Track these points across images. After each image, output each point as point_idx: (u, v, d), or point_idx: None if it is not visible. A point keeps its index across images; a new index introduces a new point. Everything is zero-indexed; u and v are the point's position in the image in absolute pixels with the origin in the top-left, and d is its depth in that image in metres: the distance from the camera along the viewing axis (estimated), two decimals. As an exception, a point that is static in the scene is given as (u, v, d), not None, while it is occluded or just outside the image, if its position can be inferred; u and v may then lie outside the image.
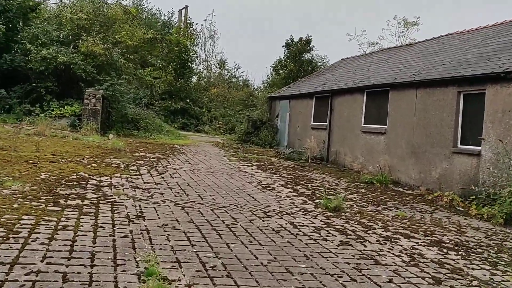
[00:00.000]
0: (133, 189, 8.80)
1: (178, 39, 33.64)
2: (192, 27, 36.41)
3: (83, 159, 12.16)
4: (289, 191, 10.81)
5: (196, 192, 9.37)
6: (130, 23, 23.04)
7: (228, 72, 46.14)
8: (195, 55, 37.15)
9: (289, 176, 13.67)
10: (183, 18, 39.45)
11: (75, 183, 8.72)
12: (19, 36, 21.65)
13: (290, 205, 9.10)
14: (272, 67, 40.18)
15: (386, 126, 15.62)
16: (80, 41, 21.42)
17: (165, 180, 10.30)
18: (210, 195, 9.21)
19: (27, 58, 20.77)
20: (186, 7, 40.27)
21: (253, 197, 9.50)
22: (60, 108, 20.42)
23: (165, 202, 8.02)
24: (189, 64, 36.29)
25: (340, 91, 18.97)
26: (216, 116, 34.61)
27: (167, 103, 34.15)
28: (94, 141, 16.96)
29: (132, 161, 12.96)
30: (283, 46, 38.83)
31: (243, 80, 47.02)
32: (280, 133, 25.42)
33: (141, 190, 8.85)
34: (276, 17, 73.68)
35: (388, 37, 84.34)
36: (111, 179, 9.64)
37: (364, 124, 17.09)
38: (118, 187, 8.83)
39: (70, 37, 21.84)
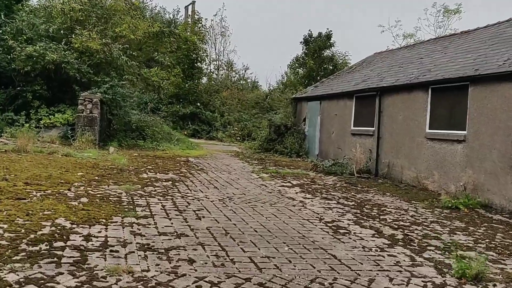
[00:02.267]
0: (142, 255, 5.23)
1: (186, 36, 30.11)
2: (200, 23, 32.86)
3: (69, 189, 8.60)
4: (372, 235, 7.25)
5: (243, 250, 5.79)
6: (133, 14, 19.51)
7: (236, 73, 42.66)
8: (204, 54, 33.60)
9: (350, 203, 10.09)
10: (190, 14, 35.95)
11: (43, 246, 5.15)
12: (0, 31, 18.17)
13: (398, 271, 5.52)
14: (289, 65, 36.69)
15: (465, 132, 12.02)
16: (73, 36, 17.92)
17: (190, 226, 6.72)
18: (266, 256, 5.63)
19: (9, 57, 17.30)
20: (193, 2, 36.79)
21: (332, 255, 5.93)
22: (50, 116, 16.93)
23: None
24: (199, 63, 32.76)
25: (392, 88, 15.37)
26: (230, 121, 31.04)
27: (175, 108, 30.64)
28: (89, 158, 13.44)
29: (139, 189, 9.39)
30: (301, 42, 35.49)
31: (252, 81, 43.50)
32: (308, 140, 21.84)
33: (157, 254, 5.27)
34: (290, 12, 69.68)
35: (425, 28, 77.96)
36: (106, 230, 6.06)
37: (429, 129, 13.50)
38: (118, 251, 5.25)
39: (62, 31, 18.34)
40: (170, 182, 10.67)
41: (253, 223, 7.32)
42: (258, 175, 13.90)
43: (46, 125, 16.76)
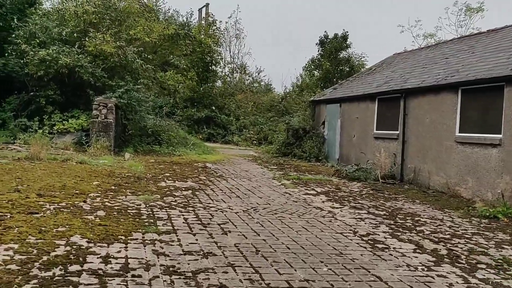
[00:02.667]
0: (168, 280, 4.65)
1: (200, 39, 29.65)
2: (215, 26, 32.38)
3: (85, 200, 8.09)
4: (413, 250, 6.64)
5: (278, 271, 5.21)
6: (147, 16, 19.04)
7: (249, 76, 42.09)
8: (219, 57, 33.11)
9: (382, 213, 9.47)
10: (203, 16, 35.49)
11: (57, 271, 4.60)
12: (13, 36, 17.80)
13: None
14: (304, 67, 36.07)
15: (500, 136, 11.33)
16: (87, 39, 17.50)
17: (216, 243, 6.16)
18: (305, 279, 5.04)
19: (22, 61, 16.91)
20: (206, 5, 36.35)
21: (377, 276, 5.33)
22: (64, 122, 16.50)
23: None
24: (213, 66, 32.27)
25: (417, 90, 14.70)
26: (246, 124, 30.48)
27: (190, 112, 30.15)
28: (105, 165, 12.95)
29: (158, 199, 8.85)
30: (316, 44, 34.92)
31: (265, 84, 42.85)
32: (328, 144, 21.20)
33: (184, 279, 4.70)
34: (304, 13, 68.88)
35: (446, 27, 75.38)
36: (126, 249, 5.52)
37: (459, 132, 12.82)
38: (140, 275, 4.68)
39: (75, 34, 17.92)
40: (190, 191, 10.11)
41: (284, 238, 6.74)
42: (279, 181, 13.32)
43: (59, 131, 16.34)
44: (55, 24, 18.29)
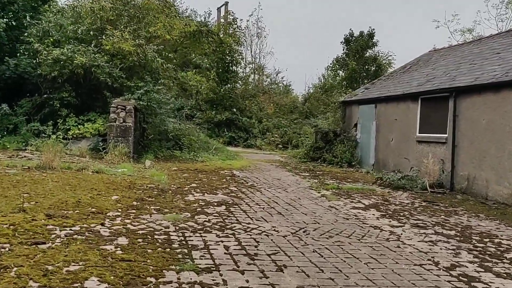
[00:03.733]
0: None
1: (221, 38, 28.31)
2: (235, 24, 31.03)
3: (103, 223, 6.70)
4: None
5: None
6: (167, 12, 17.71)
7: (267, 77, 40.62)
8: (240, 57, 31.74)
9: (451, 232, 7.98)
10: (222, 15, 34.15)
11: None
12: (25, 34, 16.60)
13: None
14: (328, 67, 34.56)
15: None
16: (103, 37, 16.22)
17: (273, 286, 4.72)
18: None
19: (35, 61, 15.69)
20: (226, 3, 35.00)
21: None
22: (79, 126, 15.23)
23: None
24: (234, 67, 30.91)
25: (471, 88, 13.13)
26: (269, 127, 29.04)
27: (210, 114, 28.83)
28: (124, 175, 11.61)
29: (189, 219, 7.44)
30: (341, 42, 33.39)
31: (284, 85, 41.19)
32: (361, 148, 19.67)
33: None
34: (326, 10, 66.89)
35: (484, 22, 71.49)
36: (159, 301, 4.10)
37: (526, 136, 11.25)
38: None
39: (91, 32, 16.67)
40: (224, 207, 8.69)
41: (355, 275, 5.27)
42: (318, 192, 11.86)
43: (75, 136, 15.07)
44: (70, 22, 17.03)
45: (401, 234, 7.66)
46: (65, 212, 7.10)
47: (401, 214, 9.50)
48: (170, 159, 17.20)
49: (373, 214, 9.26)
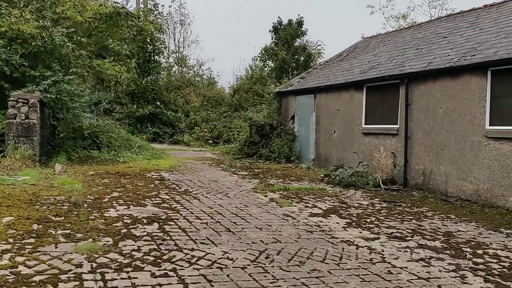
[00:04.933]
0: None
1: (141, 25, 25.86)
2: (157, 10, 28.63)
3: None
4: None
5: None
6: (78, -10, 15.20)
7: (190, 69, 38.41)
8: (162, 46, 29.38)
9: (435, 243, 6.61)
10: (142, 0, 31.56)
11: None
12: None
13: None
14: (256, 57, 33.04)
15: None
16: (-1, 18, 13.50)
17: None
18: None
19: None
20: (145, -12, 32.40)
21: None
22: (-31, 125, 12.49)
23: None
24: (156, 56, 28.55)
25: (425, 74, 12.00)
26: (197, 121, 27.00)
27: (132, 108, 26.36)
28: (26, 184, 9.29)
29: (111, 248, 5.45)
30: (269, 31, 31.92)
31: (208, 78, 39.02)
32: (299, 142, 18.27)
33: None
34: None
35: (418, 8, 71.38)
36: None
37: (490, 125, 10.20)
38: None
39: (-17, 12, 13.85)
40: (157, 225, 6.74)
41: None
42: (265, 195, 10.19)
43: (-36, 137, 12.35)
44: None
45: (383, 251, 6.14)
46: None
47: (368, 220, 8.04)
48: (86, 160, 14.84)
49: (337, 223, 7.71)
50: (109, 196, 8.81)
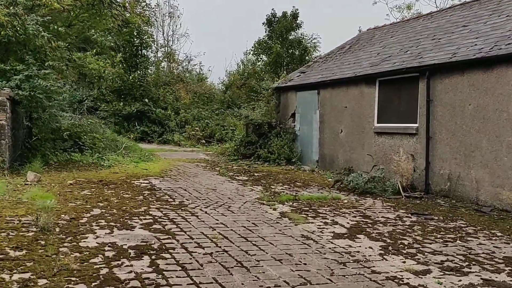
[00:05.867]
0: None
1: (127, 17, 24.20)
2: (144, 1, 26.94)
3: None
4: None
5: None
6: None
7: (178, 65, 36.64)
8: (150, 39, 27.71)
9: (504, 278, 5.16)
10: (128, -8, 29.79)
11: None
12: None
13: None
14: (248, 52, 31.47)
15: None
16: (-37, 4, 11.82)
17: None
18: None
19: None
20: (131, -21, 30.62)
21: None
22: None
23: None
24: (144, 51, 26.89)
25: (451, 66, 10.57)
26: (188, 119, 25.39)
27: (118, 105, 24.69)
28: (-13, 199, 7.70)
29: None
30: (263, 24, 30.46)
31: (197, 74, 37.11)
32: (301, 142, 16.80)
33: None
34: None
35: None
36: None
37: (533, 124, 8.81)
38: None
39: None
40: (148, 261, 5.20)
41: None
42: (273, 207, 8.72)
43: None
44: None
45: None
46: None
47: (405, 243, 6.59)
48: (66, 165, 13.25)
49: (370, 248, 6.26)
50: (88, 215, 7.25)
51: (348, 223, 7.73)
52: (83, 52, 13.95)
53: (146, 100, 25.42)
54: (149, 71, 28.46)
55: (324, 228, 7.29)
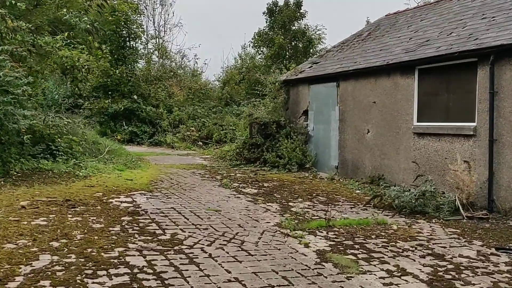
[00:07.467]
0: None
1: (113, 5, 21.64)
2: (132, -13, 24.35)
3: None
4: None
5: None
6: None
7: (171, 61, 33.98)
8: (139, 29, 25.07)
9: None
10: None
11: None
12: None
13: None
14: (251, 42, 28.85)
15: None
16: None
17: None
18: None
19: None
20: (119, -35, 27.97)
21: None
22: None
23: None
24: (132, 42, 24.27)
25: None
26: (182, 118, 22.76)
27: (103, 103, 22.06)
28: None
29: None
30: (263, 13, 27.87)
31: (192, 70, 34.43)
32: (315, 144, 14.28)
33: None
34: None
35: None
36: None
37: None
38: None
39: None
40: None
41: None
42: (303, 242, 6.22)
43: None
44: None
45: None
46: None
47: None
48: (32, 175, 10.65)
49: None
50: (28, 269, 4.67)
51: (421, 270, 5.22)
52: (52, 37, 11.31)
53: (135, 96, 22.77)
54: (139, 64, 25.81)
55: (392, 283, 4.77)
